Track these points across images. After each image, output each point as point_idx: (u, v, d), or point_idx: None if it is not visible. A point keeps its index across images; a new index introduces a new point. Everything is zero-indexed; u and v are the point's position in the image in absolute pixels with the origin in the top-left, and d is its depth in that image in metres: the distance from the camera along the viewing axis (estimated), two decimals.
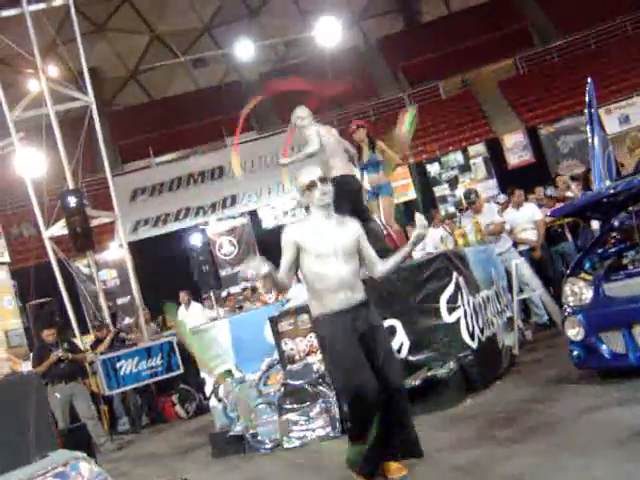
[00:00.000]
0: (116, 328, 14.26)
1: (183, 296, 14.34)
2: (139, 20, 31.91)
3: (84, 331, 15.65)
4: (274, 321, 7.54)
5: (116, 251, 19.31)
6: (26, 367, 11.47)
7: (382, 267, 5.26)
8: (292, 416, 7.12)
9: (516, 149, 22.74)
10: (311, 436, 7.00)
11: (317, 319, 5.15)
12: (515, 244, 10.85)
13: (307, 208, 5.33)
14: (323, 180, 5.12)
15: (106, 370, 11.86)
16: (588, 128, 7.87)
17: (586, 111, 7.95)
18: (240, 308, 14.11)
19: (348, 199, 7.88)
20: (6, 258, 11.48)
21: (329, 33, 27.17)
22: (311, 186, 5.09)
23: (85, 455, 3.55)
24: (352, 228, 5.20)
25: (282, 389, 7.32)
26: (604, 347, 5.99)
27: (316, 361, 7.25)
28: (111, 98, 33.54)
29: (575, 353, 6.20)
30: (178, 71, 33.23)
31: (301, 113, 8.39)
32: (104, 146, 15.98)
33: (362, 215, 7.83)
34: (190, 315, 13.79)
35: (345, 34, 28.67)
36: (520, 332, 9.40)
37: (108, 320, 14.61)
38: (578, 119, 21.21)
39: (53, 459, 3.44)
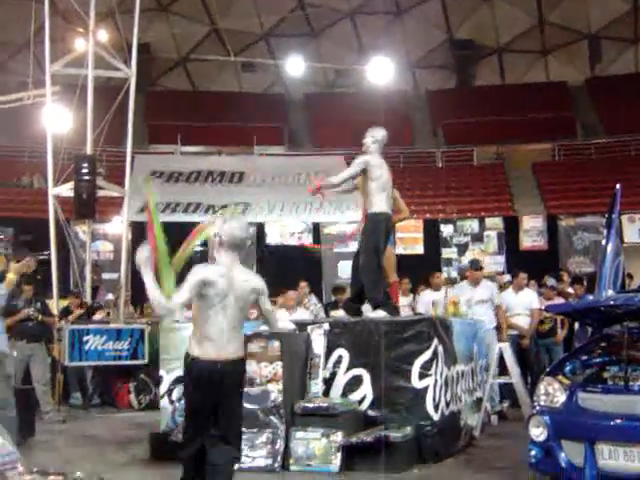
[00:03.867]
0: (91, 304, 14.08)
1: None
2: (203, 10, 32.00)
3: (63, 296, 15.52)
4: (244, 340, 7.38)
5: (118, 226, 19.20)
6: None
7: None
8: None
9: (532, 232, 22.60)
10: (250, 463, 6.84)
11: None
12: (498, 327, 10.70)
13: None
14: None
15: (72, 340, 11.73)
16: (605, 232, 7.76)
17: (607, 215, 7.85)
18: None
19: (384, 237, 8.00)
20: None
21: (381, 72, 27.16)
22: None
23: (3, 430, 3.41)
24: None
25: None
26: (563, 455, 5.82)
27: (275, 390, 7.11)
28: (155, 78, 33.62)
29: (533, 453, 6.03)
30: (226, 69, 33.29)
31: (377, 134, 8.34)
32: (133, 122, 15.96)
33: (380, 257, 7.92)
34: None
35: (397, 77, 28.67)
36: (486, 415, 9.24)
37: (88, 291, 14.47)
38: (600, 219, 21.06)
39: None
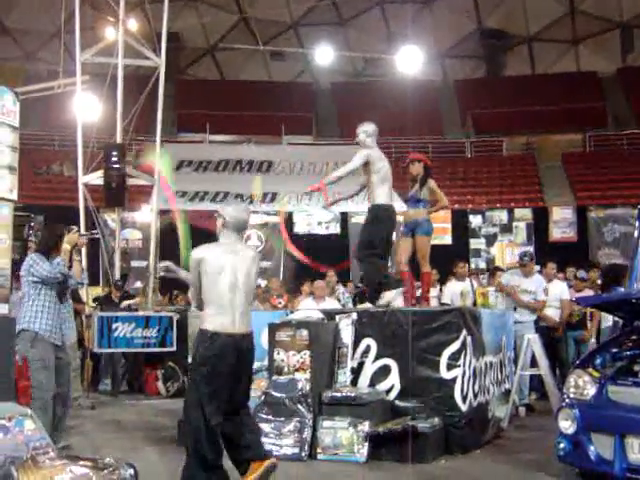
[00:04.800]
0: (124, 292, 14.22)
1: None
2: None
3: (92, 283, 15.64)
4: (272, 329, 7.42)
5: (146, 214, 19.31)
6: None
7: None
8: (264, 426, 6.97)
9: (561, 224, 22.44)
10: (277, 452, 6.84)
11: None
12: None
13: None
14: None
15: (101, 327, 11.79)
16: (637, 224, 7.67)
17: (639, 206, 7.77)
18: None
19: (387, 228, 8.11)
20: (13, 196, 11.52)
21: (410, 61, 27.03)
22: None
23: (34, 415, 3.45)
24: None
25: (262, 397, 7.19)
26: (592, 448, 5.77)
27: (303, 379, 7.12)
28: (184, 67, 33.74)
29: (561, 445, 6.00)
30: (255, 58, 33.34)
31: (368, 128, 8.39)
32: (162, 111, 16.01)
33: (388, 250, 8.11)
34: None
35: (426, 66, 28.52)
36: (514, 407, 9.19)
37: (117, 277, 14.59)
38: (630, 210, 20.89)
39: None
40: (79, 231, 7.57)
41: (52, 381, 6.89)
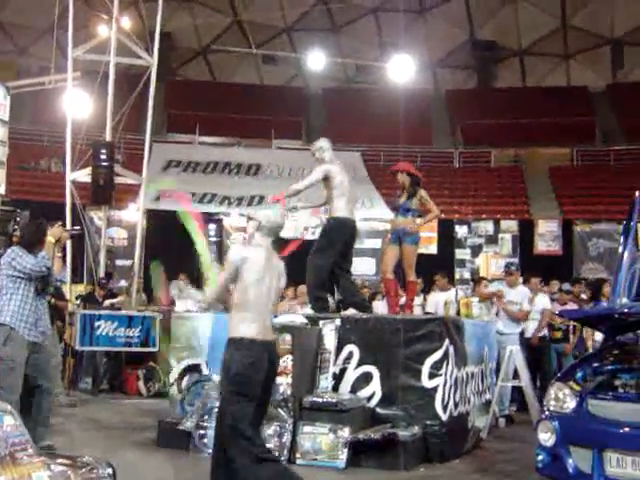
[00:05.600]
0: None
1: (182, 279, 14.36)
2: (226, 1, 32.04)
3: (76, 281, 15.59)
4: None
5: (133, 213, 19.26)
6: None
7: None
8: None
9: (547, 237, 22.51)
10: None
11: None
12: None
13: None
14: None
15: (83, 325, 11.75)
16: (622, 239, 7.71)
17: (625, 222, 7.80)
18: None
19: (342, 241, 8.26)
20: (1, 190, 11.55)
21: (402, 70, 27.08)
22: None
23: (13, 411, 3.43)
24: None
25: None
26: (571, 461, 5.79)
27: (284, 383, 7.12)
28: (176, 67, 33.66)
29: (540, 457, 6.02)
30: (247, 61, 33.31)
31: (323, 144, 8.61)
32: (153, 110, 15.98)
33: (345, 263, 8.35)
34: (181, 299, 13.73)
35: (417, 75, 28.58)
36: (494, 417, 9.22)
37: (101, 275, 14.55)
38: (615, 226, 20.97)
39: None
40: (63, 226, 7.55)
41: (20, 383, 6.83)
